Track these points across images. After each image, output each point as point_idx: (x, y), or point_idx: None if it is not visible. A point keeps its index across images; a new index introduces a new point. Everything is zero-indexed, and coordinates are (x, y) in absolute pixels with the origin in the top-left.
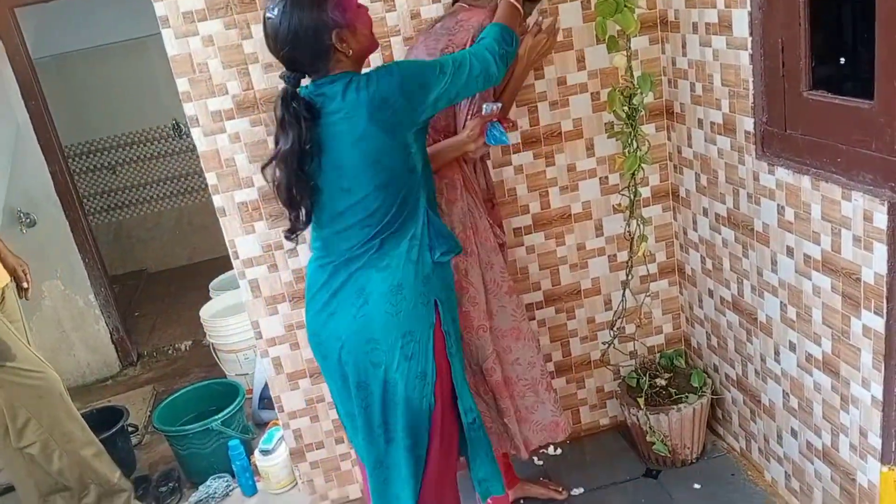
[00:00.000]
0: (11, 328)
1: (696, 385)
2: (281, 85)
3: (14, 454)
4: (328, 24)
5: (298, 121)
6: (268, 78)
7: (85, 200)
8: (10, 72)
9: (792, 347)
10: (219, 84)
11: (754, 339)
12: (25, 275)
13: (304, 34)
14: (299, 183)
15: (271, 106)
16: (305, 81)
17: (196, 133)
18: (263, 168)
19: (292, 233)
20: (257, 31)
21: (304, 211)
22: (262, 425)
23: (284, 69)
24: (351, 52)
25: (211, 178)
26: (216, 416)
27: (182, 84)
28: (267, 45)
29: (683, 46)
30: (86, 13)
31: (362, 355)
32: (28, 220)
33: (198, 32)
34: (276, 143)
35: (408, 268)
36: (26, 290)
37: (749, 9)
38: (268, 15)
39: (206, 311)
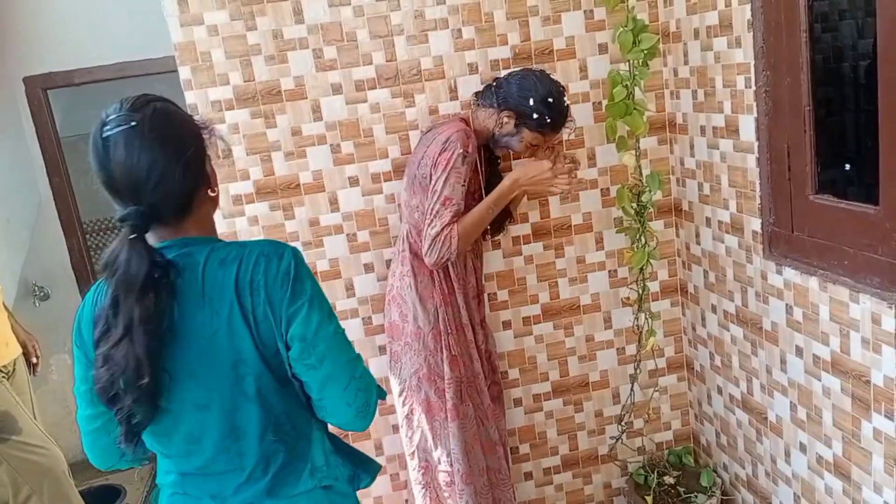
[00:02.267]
0: (19, 401)
1: (705, 485)
2: None
3: None
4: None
5: None
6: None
7: (99, 276)
8: (38, 149)
9: (803, 449)
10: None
11: (765, 438)
12: (35, 350)
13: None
14: None
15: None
16: None
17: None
18: None
19: None
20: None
21: None
22: None
23: None
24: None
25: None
26: None
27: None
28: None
29: (691, 147)
30: (113, 95)
31: None
32: (42, 294)
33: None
34: None
35: None
36: (35, 365)
37: (755, 115)
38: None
39: None
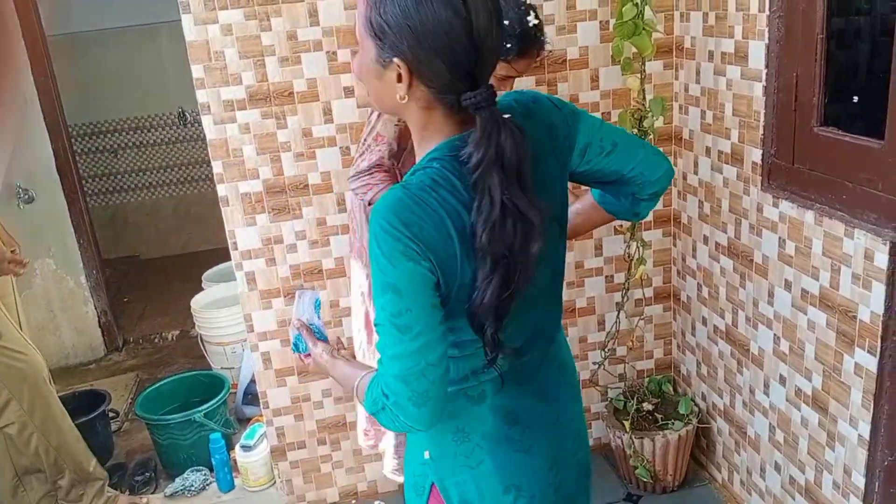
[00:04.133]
0: (1, 306)
1: (682, 412)
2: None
3: None
4: None
5: None
6: (283, 71)
7: (85, 181)
8: (23, 46)
9: (782, 381)
10: (234, 73)
11: (745, 370)
12: (15, 253)
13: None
14: None
15: (284, 99)
16: None
17: (206, 121)
18: None
19: None
20: (277, 23)
21: None
22: (244, 421)
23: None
24: None
25: (217, 167)
26: (199, 408)
27: (197, 71)
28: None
29: (697, 74)
30: None
31: None
32: (26, 197)
33: (217, 20)
34: None
35: None
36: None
37: (766, 41)
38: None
39: (197, 302)
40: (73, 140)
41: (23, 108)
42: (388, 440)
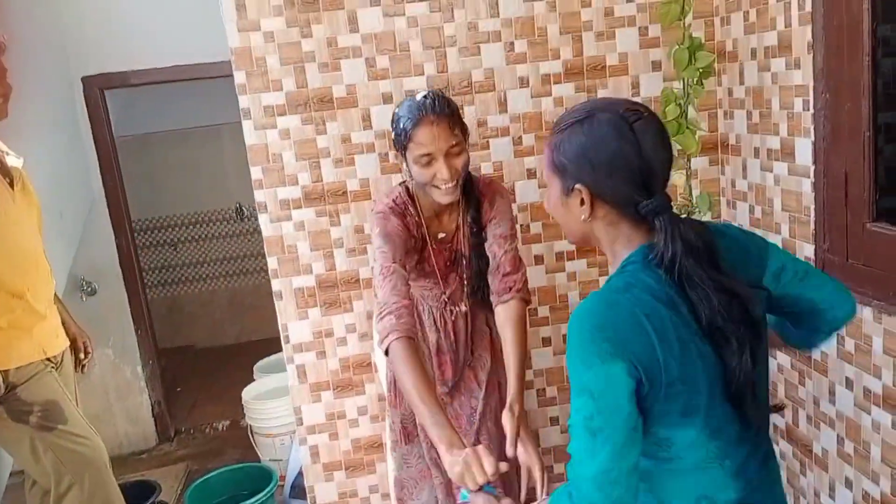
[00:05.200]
0: (67, 394)
1: None
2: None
3: None
4: None
5: None
6: (336, 172)
7: (145, 274)
8: (93, 147)
9: (848, 484)
10: (290, 174)
11: (808, 472)
12: (86, 346)
13: None
14: None
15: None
16: None
17: (263, 219)
18: None
19: None
20: (331, 127)
21: None
22: None
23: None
24: None
25: (272, 263)
26: (247, 501)
27: (256, 172)
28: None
29: (744, 169)
30: (168, 98)
31: None
32: (89, 289)
33: (276, 126)
34: None
35: None
36: (83, 361)
37: (813, 138)
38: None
39: (248, 393)
40: (136, 234)
41: (89, 205)
42: None
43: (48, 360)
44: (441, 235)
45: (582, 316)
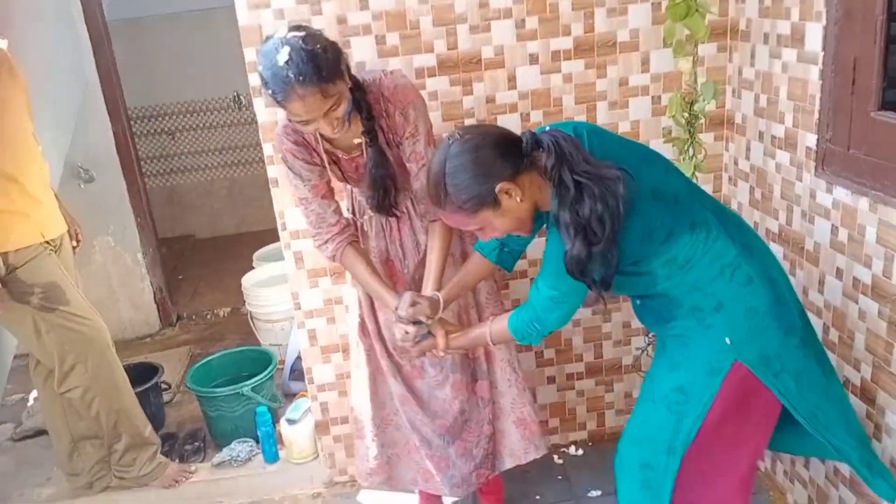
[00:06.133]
0: (68, 276)
1: None
2: None
3: (53, 398)
4: None
5: None
6: None
7: (143, 162)
8: (85, 32)
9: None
10: None
11: None
12: (76, 234)
13: None
14: None
15: None
16: None
17: (258, 104)
18: None
19: None
20: (328, 7)
21: None
22: (290, 396)
23: None
24: None
25: (268, 149)
26: (247, 382)
27: (249, 54)
28: None
29: (752, 56)
30: None
31: None
32: (87, 177)
33: (270, 5)
34: None
35: None
36: (75, 247)
37: (824, 23)
38: None
39: (247, 280)
40: (132, 122)
41: (83, 91)
42: None
43: (47, 242)
44: (340, 153)
45: (556, 245)
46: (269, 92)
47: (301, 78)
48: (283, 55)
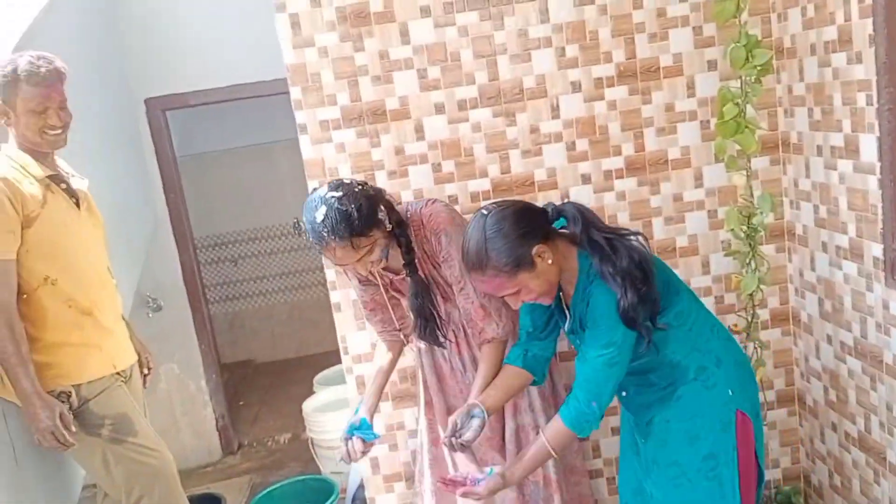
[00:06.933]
0: (136, 407)
1: None
2: None
3: None
4: None
5: None
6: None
7: (207, 290)
8: (156, 167)
9: None
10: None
11: (882, 480)
12: (148, 361)
13: None
14: None
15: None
16: None
17: None
18: None
19: None
20: (385, 140)
21: None
22: None
23: None
24: None
25: (330, 275)
26: None
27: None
28: None
29: (807, 168)
30: (226, 117)
31: None
32: (155, 306)
33: (331, 140)
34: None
35: None
36: (146, 376)
37: (878, 134)
38: None
39: (308, 405)
40: (198, 251)
41: (154, 224)
42: None
43: (118, 373)
44: (391, 276)
45: (608, 299)
46: (309, 239)
47: (333, 236)
48: (320, 214)
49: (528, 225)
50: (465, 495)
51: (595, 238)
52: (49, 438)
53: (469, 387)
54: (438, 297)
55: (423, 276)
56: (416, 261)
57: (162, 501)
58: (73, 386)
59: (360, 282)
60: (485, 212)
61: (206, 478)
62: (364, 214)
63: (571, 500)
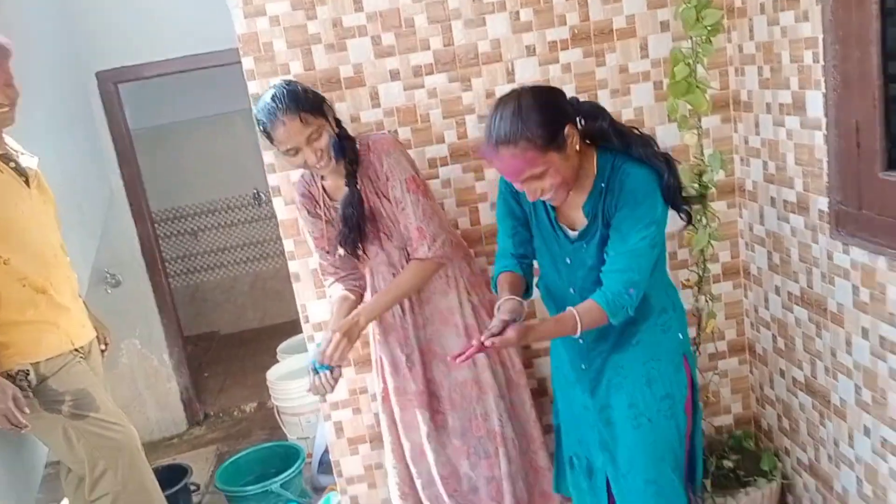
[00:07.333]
0: (97, 382)
1: (765, 469)
2: None
3: None
4: None
5: None
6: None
7: (167, 263)
8: (110, 141)
9: (867, 432)
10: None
11: (828, 422)
12: (105, 338)
13: None
14: None
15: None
16: None
17: (277, 202)
18: None
19: None
20: (341, 108)
21: None
22: (320, 490)
23: None
24: None
25: (288, 245)
26: (276, 479)
27: (268, 156)
28: None
29: (756, 126)
30: (181, 89)
31: None
32: (113, 281)
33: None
34: None
35: None
36: (103, 352)
37: (824, 90)
38: None
39: (272, 374)
40: (156, 225)
41: (108, 198)
42: None
43: (76, 350)
44: (337, 205)
45: (649, 176)
46: (261, 128)
47: (282, 106)
48: (269, 93)
49: (562, 106)
50: (492, 346)
51: (622, 129)
52: (2, 420)
53: (411, 328)
54: (382, 234)
55: (364, 197)
56: (358, 184)
57: (126, 474)
58: (31, 364)
59: (308, 213)
60: (519, 88)
61: (172, 449)
62: (312, 96)
63: (524, 466)
